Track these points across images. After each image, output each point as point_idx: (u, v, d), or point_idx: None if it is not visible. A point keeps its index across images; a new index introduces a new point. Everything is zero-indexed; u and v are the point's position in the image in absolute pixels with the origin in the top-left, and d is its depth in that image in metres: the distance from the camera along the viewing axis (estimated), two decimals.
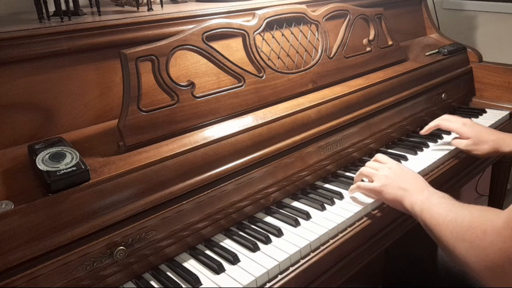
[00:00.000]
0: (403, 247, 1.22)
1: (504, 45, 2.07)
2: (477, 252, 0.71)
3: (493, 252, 0.68)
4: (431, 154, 1.24)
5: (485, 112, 1.54)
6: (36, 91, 0.88)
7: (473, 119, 1.47)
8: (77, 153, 0.79)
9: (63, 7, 1.04)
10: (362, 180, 1.07)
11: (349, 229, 0.96)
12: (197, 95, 0.98)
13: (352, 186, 1.05)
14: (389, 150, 1.29)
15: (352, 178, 1.12)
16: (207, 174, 0.91)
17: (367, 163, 1.08)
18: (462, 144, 1.21)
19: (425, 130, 1.28)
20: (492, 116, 1.50)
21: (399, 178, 0.98)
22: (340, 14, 1.31)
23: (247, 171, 0.97)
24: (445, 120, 1.25)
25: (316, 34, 1.25)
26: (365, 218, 0.99)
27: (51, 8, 1.07)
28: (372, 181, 1.02)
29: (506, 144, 1.15)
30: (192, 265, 0.86)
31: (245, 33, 1.08)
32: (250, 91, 1.06)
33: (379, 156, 1.09)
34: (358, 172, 1.07)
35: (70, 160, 0.77)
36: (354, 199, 1.03)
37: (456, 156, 1.26)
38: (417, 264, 1.19)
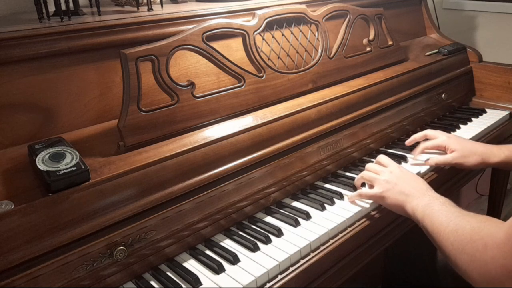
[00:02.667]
0: (403, 247, 1.22)
1: (504, 45, 2.07)
2: (477, 266, 0.70)
3: (494, 268, 0.67)
4: (432, 155, 1.23)
5: (485, 112, 1.54)
6: (36, 91, 0.88)
7: (473, 119, 1.48)
8: (77, 153, 0.79)
9: (63, 7, 1.04)
10: (363, 184, 1.06)
11: (349, 229, 0.96)
12: (197, 95, 0.98)
13: (352, 194, 1.03)
14: (389, 150, 1.29)
15: (352, 178, 1.12)
16: (207, 174, 0.91)
17: (368, 165, 1.06)
18: (449, 158, 1.14)
19: (409, 141, 1.24)
20: (492, 116, 1.50)
21: (400, 182, 0.97)
22: (340, 14, 1.31)
23: (247, 171, 0.97)
24: (429, 137, 1.21)
25: (316, 34, 1.25)
26: (365, 218, 0.99)
27: (51, 8, 1.07)
28: (372, 186, 1.02)
29: (494, 154, 1.11)
30: (192, 265, 0.86)
31: (245, 33, 1.08)
32: (250, 91, 1.06)
33: (381, 157, 1.07)
34: (359, 176, 1.06)
35: (70, 160, 0.77)
36: None
37: None
38: (417, 264, 1.19)
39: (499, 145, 1.13)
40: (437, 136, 1.18)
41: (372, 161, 1.11)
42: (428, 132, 1.21)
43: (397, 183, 0.97)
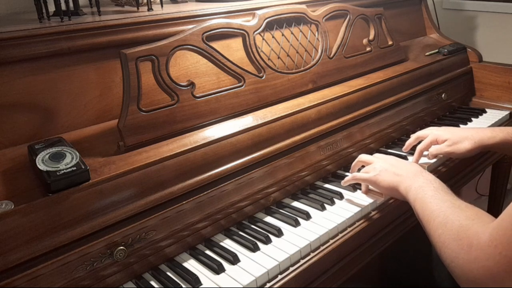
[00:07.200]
0: (398, 249, 1.22)
1: (504, 45, 2.07)
2: (460, 264, 0.71)
3: (476, 268, 0.68)
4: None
5: (485, 112, 1.54)
6: (36, 91, 0.88)
7: (473, 119, 1.48)
8: (77, 153, 0.79)
9: (63, 7, 1.04)
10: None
11: (349, 229, 0.95)
12: (197, 95, 0.98)
13: (347, 178, 1.05)
14: (389, 150, 1.29)
15: None
16: (207, 174, 0.91)
17: (361, 156, 1.09)
18: (442, 147, 1.13)
19: (405, 148, 1.23)
20: (492, 116, 1.50)
21: (393, 166, 0.99)
22: (340, 14, 1.31)
23: (247, 171, 0.97)
24: (421, 138, 1.19)
25: (316, 34, 1.25)
26: (365, 218, 0.99)
27: (51, 8, 1.07)
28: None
29: (488, 136, 1.09)
30: (192, 265, 0.86)
31: (245, 33, 1.08)
32: (250, 91, 1.06)
33: (375, 154, 1.09)
34: (353, 163, 1.09)
35: (70, 160, 0.77)
36: (354, 199, 1.03)
37: None
38: (412, 266, 1.19)
39: (491, 128, 1.12)
40: (428, 133, 1.18)
41: None
42: (419, 133, 1.20)
43: (390, 167, 0.99)
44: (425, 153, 1.19)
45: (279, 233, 0.92)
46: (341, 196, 1.05)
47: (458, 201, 0.81)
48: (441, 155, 1.18)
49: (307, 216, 0.97)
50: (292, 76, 1.16)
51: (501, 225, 0.66)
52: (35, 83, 0.88)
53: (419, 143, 1.19)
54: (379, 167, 1.00)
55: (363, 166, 1.08)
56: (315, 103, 1.14)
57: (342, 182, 1.06)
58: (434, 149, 1.15)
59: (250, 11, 1.16)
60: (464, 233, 0.72)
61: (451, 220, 0.76)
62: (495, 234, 0.66)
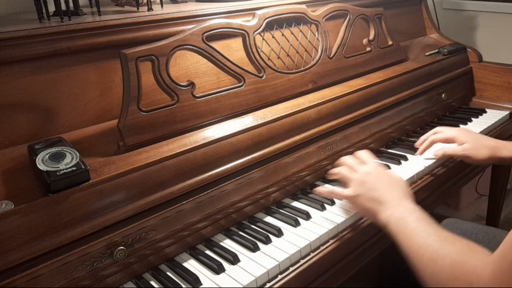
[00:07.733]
0: (397, 248, 1.22)
1: (504, 45, 2.07)
2: None
3: None
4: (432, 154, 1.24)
5: (485, 112, 1.54)
6: (36, 91, 0.88)
7: (473, 119, 1.48)
8: (77, 153, 0.79)
9: (63, 7, 1.04)
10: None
11: (349, 229, 0.96)
12: (197, 95, 0.98)
13: (325, 190, 0.99)
14: (389, 150, 1.29)
15: None
16: (207, 174, 0.91)
17: (345, 159, 1.00)
18: (459, 149, 1.11)
19: (420, 152, 1.19)
20: (492, 116, 1.50)
21: (374, 186, 0.89)
22: (340, 14, 1.31)
23: (247, 171, 0.97)
24: (439, 132, 1.17)
25: (316, 34, 1.25)
26: (365, 218, 0.99)
27: (51, 8, 1.07)
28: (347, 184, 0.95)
29: (507, 148, 1.08)
30: (192, 265, 0.86)
31: (245, 33, 1.08)
32: (250, 91, 1.06)
33: (360, 153, 1.00)
34: (336, 170, 1.00)
35: (70, 160, 0.77)
36: None
37: None
38: (410, 265, 1.19)
39: (510, 141, 1.11)
40: (446, 130, 1.17)
41: None
42: (438, 128, 1.19)
43: (370, 188, 0.89)
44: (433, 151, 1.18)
45: (279, 233, 0.92)
46: None
47: (443, 233, 0.74)
48: (456, 158, 1.17)
49: (307, 216, 0.97)
50: (292, 76, 1.16)
51: (503, 259, 0.61)
52: (35, 83, 0.88)
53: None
54: (358, 185, 0.91)
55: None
56: (315, 103, 1.14)
57: (316, 191, 1.00)
58: (449, 150, 1.13)
59: (250, 11, 1.16)
60: (459, 270, 0.66)
61: (441, 256, 0.70)
62: (498, 270, 0.61)
